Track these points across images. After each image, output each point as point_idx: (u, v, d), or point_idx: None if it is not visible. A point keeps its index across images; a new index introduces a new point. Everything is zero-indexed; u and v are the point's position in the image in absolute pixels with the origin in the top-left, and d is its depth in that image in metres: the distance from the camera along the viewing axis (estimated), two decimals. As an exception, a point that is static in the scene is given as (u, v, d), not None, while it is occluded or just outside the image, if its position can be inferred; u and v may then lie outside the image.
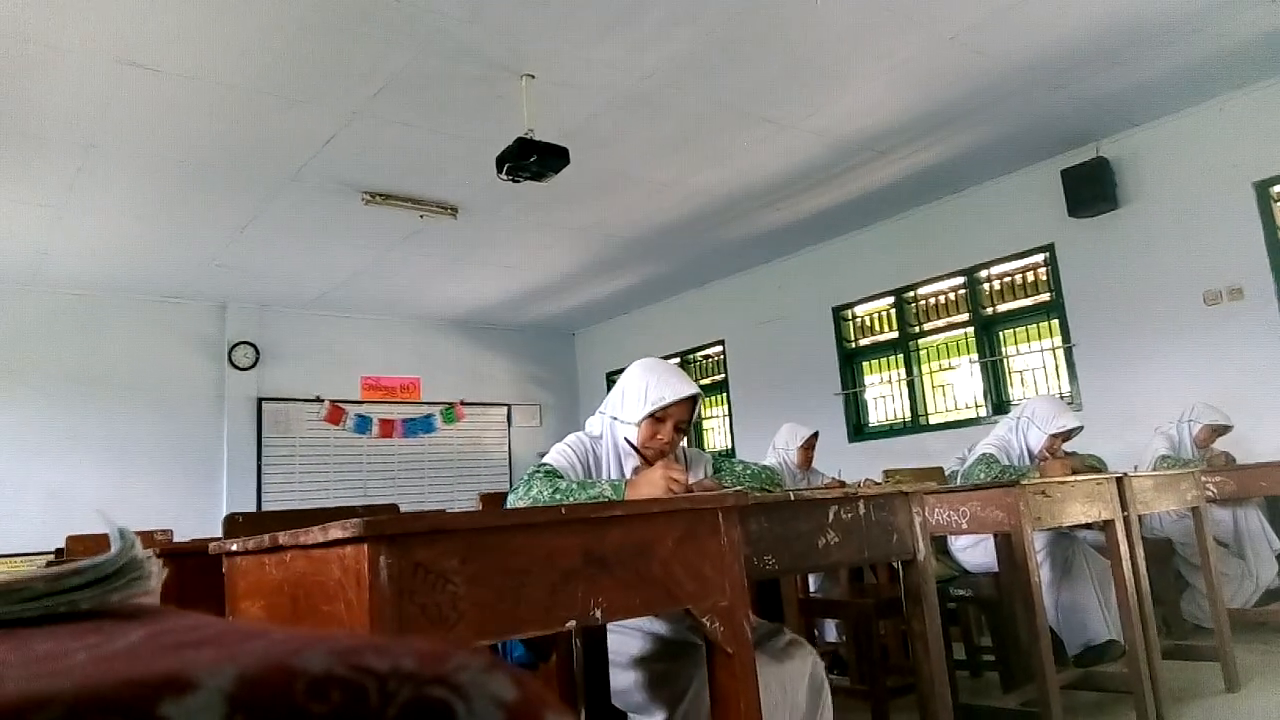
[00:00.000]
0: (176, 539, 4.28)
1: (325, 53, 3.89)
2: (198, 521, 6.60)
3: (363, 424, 8.38)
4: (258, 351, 7.88)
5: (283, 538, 1.31)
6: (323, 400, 8.17)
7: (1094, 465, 3.50)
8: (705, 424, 8.80)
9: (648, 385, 2.09)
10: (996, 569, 3.19)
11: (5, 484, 6.61)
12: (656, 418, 2.08)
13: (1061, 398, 5.62)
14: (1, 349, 6.81)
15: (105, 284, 7.04)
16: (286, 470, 7.88)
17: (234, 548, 1.51)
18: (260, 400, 7.86)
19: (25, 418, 6.83)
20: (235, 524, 2.22)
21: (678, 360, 8.75)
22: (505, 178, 4.36)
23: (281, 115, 4.43)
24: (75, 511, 6.47)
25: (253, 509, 7.34)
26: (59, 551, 4.26)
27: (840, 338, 7.26)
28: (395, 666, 0.25)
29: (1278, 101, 4.87)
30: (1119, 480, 2.97)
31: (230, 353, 7.75)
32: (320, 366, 8.22)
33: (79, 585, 0.40)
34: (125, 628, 0.34)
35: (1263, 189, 4.94)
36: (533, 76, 4.19)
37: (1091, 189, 5.47)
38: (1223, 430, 4.44)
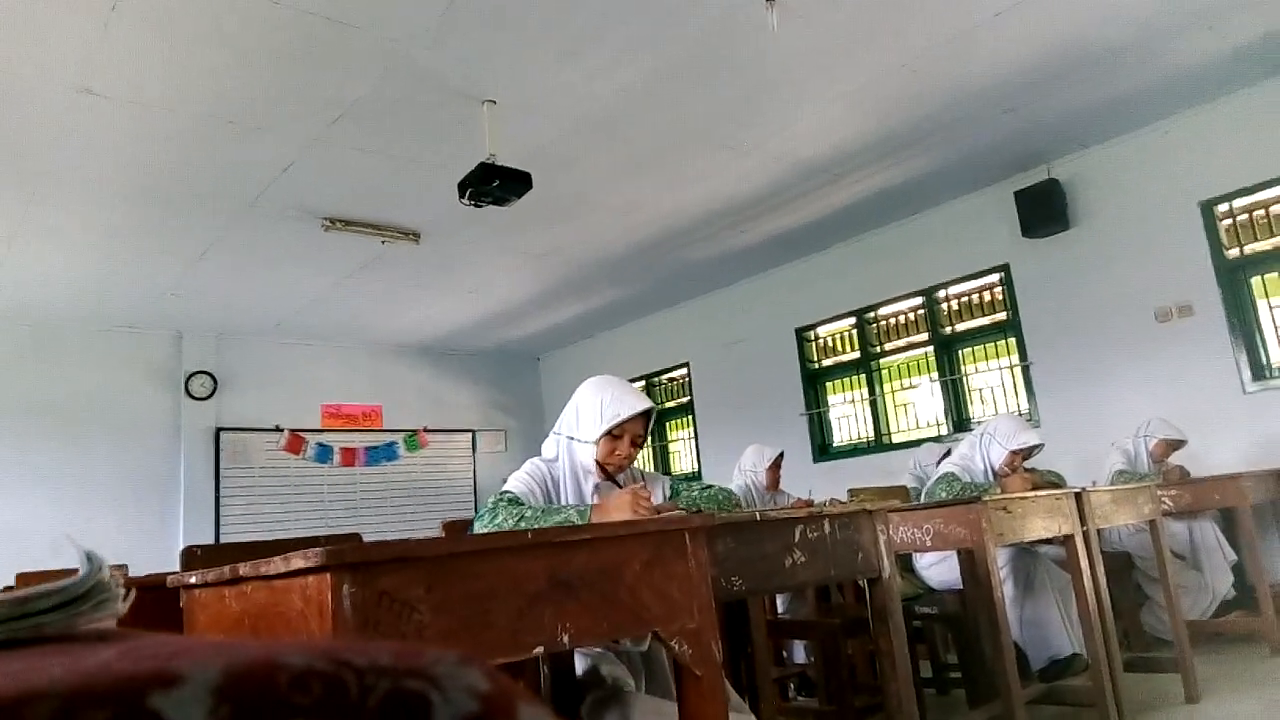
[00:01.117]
0: (133, 573, 4.17)
1: (283, 80, 3.87)
2: (154, 555, 6.43)
3: (324, 453, 8.26)
4: (215, 381, 7.75)
5: (243, 569, 1.29)
6: (282, 429, 8.05)
7: (1054, 481, 3.56)
8: (670, 446, 8.81)
9: (602, 402, 2.10)
10: (961, 586, 3.21)
11: (-49, 521, 6.40)
12: (614, 434, 2.09)
13: (1020, 415, 5.71)
14: (-52, 382, 6.62)
15: (59, 314, 6.89)
16: (245, 501, 7.73)
17: (193, 580, 1.48)
18: (218, 430, 7.72)
19: (-27, 452, 6.64)
20: (193, 556, 2.17)
21: (642, 383, 8.76)
22: (468, 203, 4.36)
23: (239, 143, 4.39)
24: (27, 547, 6.28)
25: (211, 541, 7.18)
26: (8, 590, 4.13)
27: (803, 358, 7.32)
28: (373, 661, 0.26)
29: (1220, 123, 5.03)
30: (1078, 495, 3.02)
31: (187, 382, 7.61)
32: (280, 395, 8.10)
33: (46, 609, 0.40)
34: (95, 648, 0.35)
35: (1208, 208, 5.09)
36: (494, 102, 4.20)
37: (1044, 210, 5.60)
38: (1177, 444, 4.54)
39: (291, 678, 0.25)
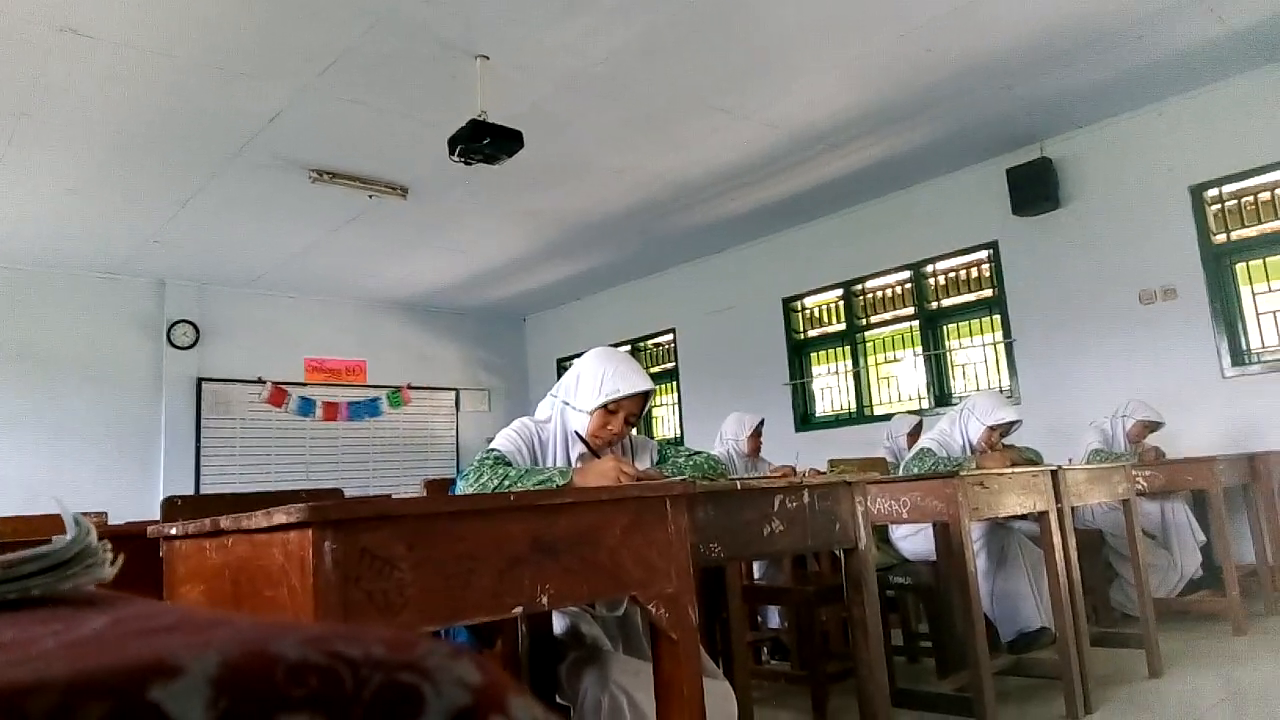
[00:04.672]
0: (111, 522, 4.17)
1: (273, 26, 3.80)
2: (133, 504, 6.44)
3: (306, 406, 8.24)
4: (198, 330, 7.69)
5: (225, 522, 1.29)
6: (265, 381, 8.01)
7: (1031, 458, 3.60)
8: (655, 412, 8.84)
9: (604, 375, 2.08)
10: (935, 557, 3.26)
11: (-72, 463, 6.36)
12: (609, 409, 2.07)
13: (1001, 392, 5.76)
14: (-75, 322, 6.54)
15: (39, 259, 6.79)
16: (226, 453, 7.72)
17: (173, 531, 1.48)
18: (200, 380, 7.68)
19: (-50, 394, 6.58)
20: (174, 507, 2.17)
21: (628, 348, 8.76)
22: (457, 160, 4.31)
23: (226, 89, 4.31)
24: (5, 492, 6.28)
25: (190, 491, 7.19)
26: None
27: (789, 328, 7.34)
28: (367, 654, 0.27)
29: (1214, 108, 5.03)
30: (1054, 473, 3.05)
31: (169, 331, 7.55)
32: (262, 347, 8.06)
33: (32, 572, 0.40)
34: (85, 615, 0.35)
35: (1197, 193, 5.11)
36: (487, 58, 4.14)
37: (1035, 188, 5.60)
38: (1154, 426, 4.60)
39: (288, 670, 0.25)
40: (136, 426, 7.34)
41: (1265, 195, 4.95)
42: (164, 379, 7.51)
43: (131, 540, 1.80)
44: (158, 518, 2.03)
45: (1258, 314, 4.95)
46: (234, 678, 0.24)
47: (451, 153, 4.29)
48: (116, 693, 0.23)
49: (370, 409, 8.64)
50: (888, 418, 6.25)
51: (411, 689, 0.26)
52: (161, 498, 2.18)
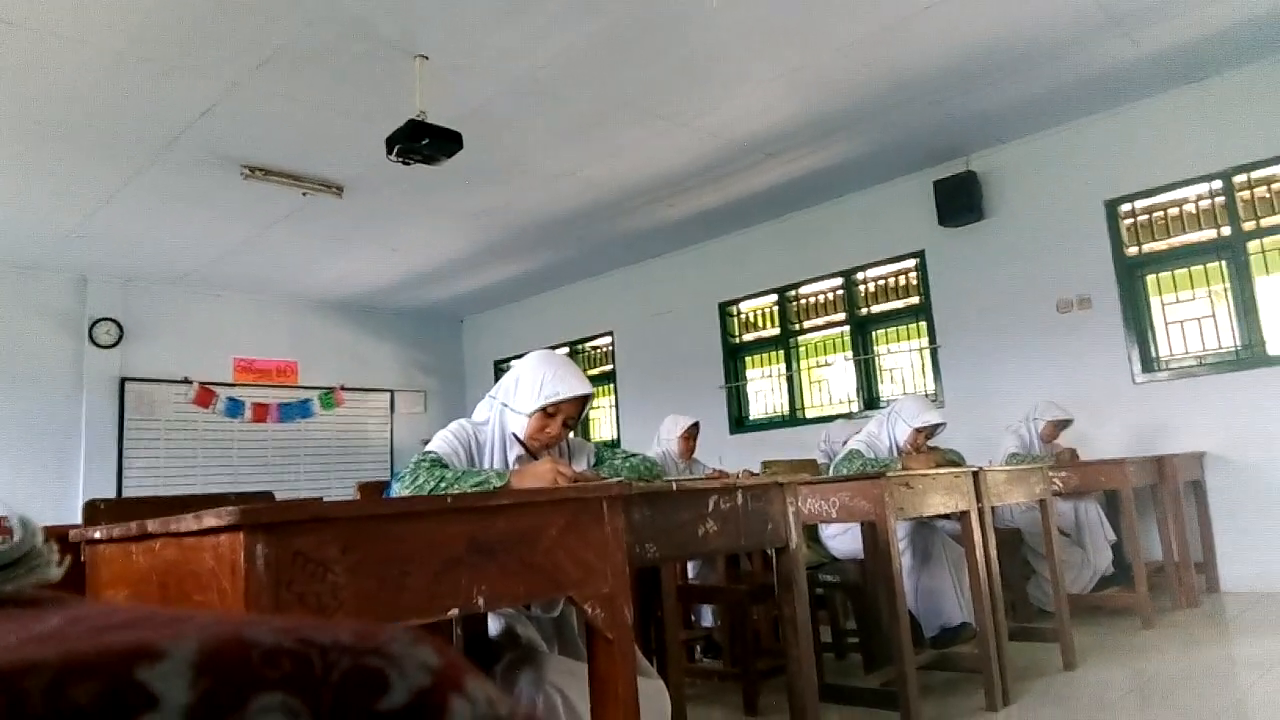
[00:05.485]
0: (26, 526, 4.02)
1: (206, 19, 3.71)
2: (50, 506, 6.22)
3: (234, 407, 8.04)
4: (121, 329, 7.44)
5: (152, 525, 1.28)
6: (191, 382, 7.80)
7: (953, 460, 3.73)
8: (592, 414, 8.84)
9: (543, 378, 2.09)
10: (862, 556, 3.35)
11: None
12: (547, 412, 2.09)
13: (927, 395, 5.93)
14: None
15: (-52, 251, 6.51)
16: (150, 455, 7.49)
17: (97, 535, 1.45)
18: (123, 380, 7.44)
19: None
20: (96, 510, 2.11)
21: (567, 350, 8.76)
22: (395, 159, 4.27)
23: (156, 81, 4.20)
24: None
25: (112, 494, 6.95)
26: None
27: (725, 332, 7.43)
28: (336, 640, 0.29)
29: (1129, 127, 5.27)
30: (975, 474, 3.16)
31: (91, 329, 7.30)
32: (189, 346, 7.83)
33: None
34: (36, 615, 0.36)
35: (1112, 207, 5.34)
36: (426, 57, 4.12)
37: (960, 200, 5.79)
38: (1064, 424, 4.79)
39: (262, 654, 0.28)
40: (54, 427, 7.07)
41: (1174, 211, 5.21)
42: (85, 378, 7.25)
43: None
44: (77, 520, 1.98)
45: (1166, 324, 5.20)
46: (213, 660, 0.27)
47: (389, 152, 4.25)
48: (106, 672, 0.25)
49: (301, 410, 8.47)
50: (820, 420, 6.38)
51: (376, 671, 0.29)
52: (81, 500, 2.13)
